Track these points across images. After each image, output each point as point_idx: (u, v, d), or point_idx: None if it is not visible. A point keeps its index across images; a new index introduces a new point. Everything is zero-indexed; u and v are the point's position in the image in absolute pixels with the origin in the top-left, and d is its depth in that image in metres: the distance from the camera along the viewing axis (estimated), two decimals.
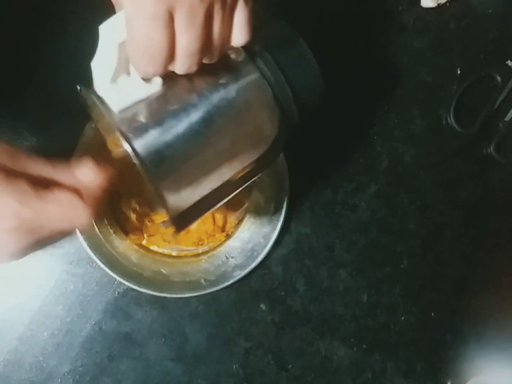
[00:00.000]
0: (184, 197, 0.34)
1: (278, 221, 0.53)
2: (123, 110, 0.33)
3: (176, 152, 0.33)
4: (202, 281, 0.53)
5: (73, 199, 0.32)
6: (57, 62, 0.54)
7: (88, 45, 0.60)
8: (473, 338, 0.58)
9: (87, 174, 0.34)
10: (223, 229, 0.55)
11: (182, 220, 0.35)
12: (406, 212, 0.58)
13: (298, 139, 0.56)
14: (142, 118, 0.33)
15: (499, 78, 0.58)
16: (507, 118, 0.59)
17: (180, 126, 0.33)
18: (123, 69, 0.33)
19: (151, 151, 0.32)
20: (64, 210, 0.32)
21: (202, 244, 0.55)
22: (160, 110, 0.33)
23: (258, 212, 0.55)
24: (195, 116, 0.33)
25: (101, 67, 0.33)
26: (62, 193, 0.32)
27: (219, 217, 0.54)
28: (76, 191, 0.33)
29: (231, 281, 0.52)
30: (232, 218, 0.55)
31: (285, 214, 0.53)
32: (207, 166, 0.34)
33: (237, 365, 0.55)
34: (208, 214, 0.53)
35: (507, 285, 0.59)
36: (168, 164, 0.33)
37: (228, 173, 0.35)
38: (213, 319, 0.55)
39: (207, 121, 0.34)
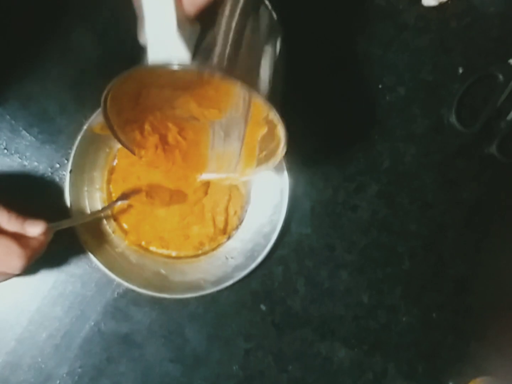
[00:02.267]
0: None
1: (278, 221, 0.52)
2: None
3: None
4: (202, 281, 0.52)
5: (11, 245, 0.41)
6: (57, 61, 0.54)
7: (87, 44, 0.60)
8: (475, 339, 0.58)
9: (35, 231, 0.43)
10: (224, 232, 0.55)
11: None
12: (407, 212, 0.58)
13: (298, 139, 0.56)
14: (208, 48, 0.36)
15: (501, 77, 0.58)
16: (509, 117, 0.59)
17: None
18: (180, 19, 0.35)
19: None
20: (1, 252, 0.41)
21: (202, 248, 0.55)
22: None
23: (259, 212, 0.55)
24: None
25: (160, 21, 0.35)
26: (4, 239, 0.41)
27: (220, 219, 0.54)
28: (19, 240, 0.42)
29: (231, 282, 0.52)
30: (233, 220, 0.55)
31: (285, 214, 0.52)
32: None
33: (237, 366, 0.55)
34: (208, 218, 0.54)
35: (509, 285, 0.59)
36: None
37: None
38: (212, 320, 0.55)
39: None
